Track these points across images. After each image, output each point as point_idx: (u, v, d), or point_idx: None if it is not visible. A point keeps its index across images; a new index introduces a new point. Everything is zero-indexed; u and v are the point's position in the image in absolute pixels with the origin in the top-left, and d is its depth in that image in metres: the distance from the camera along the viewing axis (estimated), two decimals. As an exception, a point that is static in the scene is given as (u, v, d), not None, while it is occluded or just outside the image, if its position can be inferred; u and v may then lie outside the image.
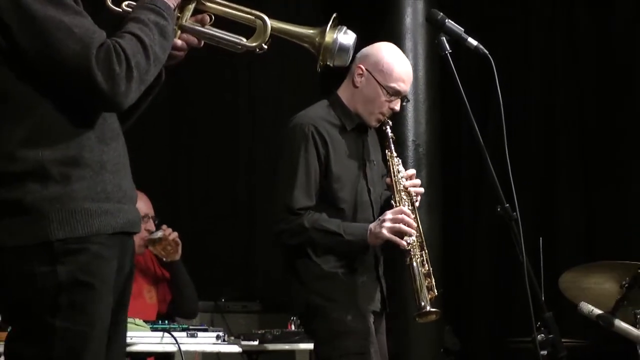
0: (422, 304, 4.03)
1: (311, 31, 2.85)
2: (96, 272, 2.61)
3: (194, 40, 2.86)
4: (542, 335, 3.37)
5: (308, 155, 4.14)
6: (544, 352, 3.38)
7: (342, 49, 2.82)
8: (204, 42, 2.89)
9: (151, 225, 5.33)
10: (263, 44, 2.84)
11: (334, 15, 2.86)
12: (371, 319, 4.18)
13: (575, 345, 5.28)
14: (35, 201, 2.56)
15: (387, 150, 4.25)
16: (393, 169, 4.22)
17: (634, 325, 3.94)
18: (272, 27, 2.83)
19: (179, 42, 2.83)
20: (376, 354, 4.11)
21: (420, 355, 5.96)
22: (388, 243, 4.11)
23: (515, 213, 3.40)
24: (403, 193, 4.20)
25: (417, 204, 4.22)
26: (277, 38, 2.84)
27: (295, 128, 4.20)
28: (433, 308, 4.03)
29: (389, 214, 4.09)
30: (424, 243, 4.15)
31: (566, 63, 6.96)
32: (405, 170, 4.28)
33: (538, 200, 6.86)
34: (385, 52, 4.27)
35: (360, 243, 4.13)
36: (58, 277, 2.56)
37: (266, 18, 2.83)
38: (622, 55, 6.74)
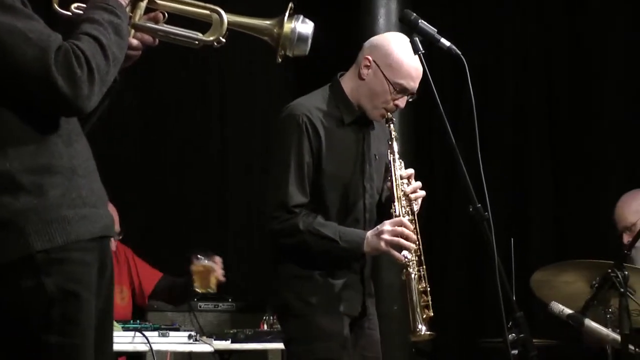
0: (418, 326, 3.85)
1: (268, 22, 2.81)
2: (82, 280, 2.55)
3: (148, 38, 2.79)
4: (513, 334, 3.39)
5: (301, 147, 3.92)
6: (515, 352, 3.40)
7: (301, 38, 2.78)
8: (160, 40, 2.81)
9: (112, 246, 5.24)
10: (221, 38, 2.77)
11: (290, 4, 2.81)
12: (347, 322, 4.01)
13: (546, 345, 5.31)
14: (8, 215, 2.48)
15: (389, 151, 4.03)
16: (394, 173, 3.98)
17: (604, 325, 3.96)
18: (228, 20, 2.77)
19: (134, 41, 2.75)
20: (355, 353, 3.98)
21: (393, 357, 5.96)
22: (385, 254, 3.92)
23: (487, 213, 3.41)
24: (403, 200, 3.97)
25: (418, 210, 3.99)
26: (234, 31, 2.80)
27: (287, 118, 3.97)
28: (428, 331, 3.85)
29: (387, 225, 3.87)
30: (423, 257, 3.92)
31: (537, 64, 6.99)
32: (406, 170, 4.05)
33: (510, 201, 6.88)
34: (396, 46, 4.00)
35: (355, 251, 3.93)
36: (46, 290, 2.50)
37: (222, 12, 2.77)
38: (593, 55, 6.78)
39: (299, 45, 2.78)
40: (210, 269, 4.93)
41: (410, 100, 4.06)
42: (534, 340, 3.44)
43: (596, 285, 3.97)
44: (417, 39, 3.60)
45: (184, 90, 6.86)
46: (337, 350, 3.92)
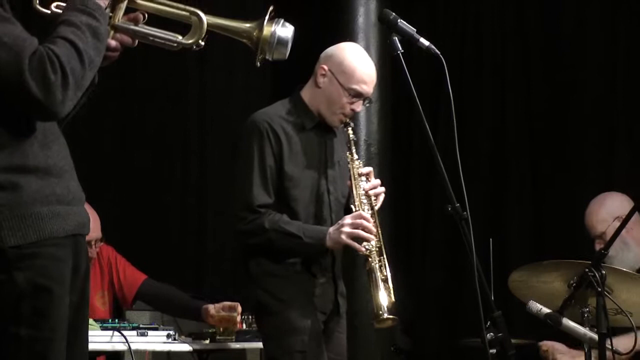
0: (380, 311, 4.05)
1: (248, 25, 2.80)
2: (54, 275, 2.57)
3: (128, 39, 2.78)
4: (492, 333, 3.40)
5: (263, 152, 4.13)
6: (493, 351, 3.41)
7: (281, 42, 2.77)
8: (139, 41, 2.81)
9: (93, 253, 5.22)
10: (200, 41, 2.77)
11: (271, 7, 2.82)
12: (320, 318, 4.20)
13: (524, 344, 5.32)
14: None
15: (348, 153, 4.25)
16: (353, 172, 4.22)
17: (582, 324, 3.98)
18: (208, 23, 2.77)
19: (113, 42, 2.74)
20: (320, 353, 4.13)
21: (371, 354, 5.97)
22: (348, 247, 4.12)
23: (465, 212, 3.42)
24: (363, 197, 4.20)
25: (377, 206, 4.22)
26: (214, 34, 2.80)
27: (249, 125, 4.19)
28: (390, 315, 4.05)
29: (347, 219, 4.11)
30: (384, 248, 4.14)
31: (516, 64, 7.01)
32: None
33: (488, 200, 6.90)
34: (349, 53, 4.25)
35: (318, 246, 4.13)
36: (17, 284, 2.52)
37: (201, 14, 2.77)
38: (571, 56, 6.80)
39: (278, 49, 2.78)
40: (232, 319, 4.89)
41: (367, 105, 4.34)
42: (512, 340, 3.45)
43: (574, 284, 3.98)
44: (396, 38, 3.61)
45: (163, 89, 6.84)
46: (310, 343, 4.09)
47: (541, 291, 4.20)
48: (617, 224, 4.89)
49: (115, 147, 6.71)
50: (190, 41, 2.78)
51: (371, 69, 4.26)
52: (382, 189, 4.27)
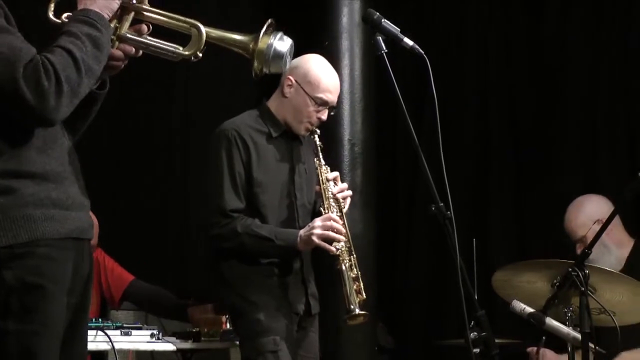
0: (352, 307, 4.21)
1: (245, 37, 2.84)
2: (46, 273, 2.62)
3: (131, 49, 2.88)
4: (475, 333, 3.41)
5: (232, 159, 4.30)
6: (477, 350, 3.42)
7: (277, 55, 2.80)
8: (142, 52, 2.90)
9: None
10: (198, 52, 2.85)
11: (270, 20, 2.86)
12: (293, 319, 4.34)
13: (508, 344, 5.33)
14: None
15: (315, 159, 4.42)
16: (322, 176, 4.39)
17: (565, 324, 3.99)
18: (207, 34, 2.84)
19: (118, 52, 2.84)
20: (292, 353, 4.28)
21: (354, 354, 5.97)
22: (318, 248, 4.27)
23: (449, 212, 3.43)
24: (332, 200, 4.37)
25: (345, 209, 4.40)
26: (213, 45, 2.85)
27: (218, 134, 4.36)
28: (362, 311, 4.21)
29: (317, 221, 4.27)
30: (353, 248, 4.32)
31: (499, 65, 7.02)
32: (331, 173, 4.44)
33: (472, 200, 6.91)
34: (314, 64, 4.45)
35: (290, 249, 4.29)
36: (5, 281, 2.57)
37: (201, 26, 2.85)
38: (554, 59, 6.82)
39: (275, 62, 2.81)
40: (218, 321, 4.93)
41: (332, 113, 4.50)
42: (495, 339, 3.46)
43: (557, 284, 4.00)
44: (380, 38, 3.61)
45: (148, 87, 6.83)
46: (282, 343, 4.24)
47: (525, 291, 4.21)
48: (597, 227, 4.92)
49: (98, 147, 6.69)
50: (189, 52, 2.86)
51: (335, 79, 4.48)
52: (349, 192, 4.45)
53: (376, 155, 6.21)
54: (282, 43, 2.81)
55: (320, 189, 4.39)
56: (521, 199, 6.87)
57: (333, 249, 4.25)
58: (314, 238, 4.23)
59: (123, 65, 2.88)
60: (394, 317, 6.94)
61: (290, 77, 4.40)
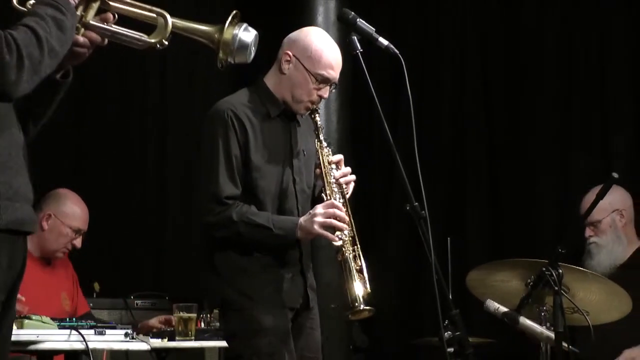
0: (356, 303, 3.90)
1: (211, 28, 2.85)
2: None
3: (97, 37, 2.86)
4: (449, 332, 3.41)
5: (228, 141, 3.98)
6: (451, 349, 3.43)
7: (242, 45, 2.80)
8: (107, 41, 2.90)
9: (79, 242, 5.28)
10: (164, 40, 2.85)
11: (235, 11, 2.86)
12: (289, 316, 4.04)
13: (482, 343, 5.35)
14: None
15: (316, 140, 4.11)
16: (323, 160, 4.07)
17: (539, 323, 4.01)
18: (173, 24, 2.85)
19: (81, 39, 2.82)
20: (290, 354, 3.99)
21: (329, 353, 5.97)
22: (319, 238, 3.98)
23: (424, 211, 3.43)
24: (334, 185, 4.06)
25: (348, 195, 4.08)
26: (178, 35, 2.86)
27: (213, 115, 4.04)
28: (366, 306, 3.91)
29: (319, 208, 3.94)
30: (356, 238, 4.00)
31: (475, 65, 7.05)
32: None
33: (447, 200, 6.93)
34: (314, 38, 4.10)
35: (289, 237, 3.97)
36: None
37: (168, 16, 2.86)
38: (529, 57, 6.85)
39: (240, 53, 2.81)
40: (192, 318, 4.88)
41: (334, 90, 4.15)
42: (469, 338, 3.47)
43: (531, 283, 4.01)
44: (355, 37, 3.62)
45: (122, 84, 6.82)
46: (278, 344, 3.94)
47: (499, 290, 4.23)
48: (614, 215, 5.05)
49: (74, 142, 6.68)
50: (155, 40, 2.86)
51: (337, 54, 4.11)
52: (353, 176, 4.13)
53: (351, 154, 6.22)
54: (247, 34, 2.82)
55: (322, 172, 4.05)
56: (496, 198, 6.90)
57: (336, 238, 3.92)
58: (316, 226, 3.90)
59: (88, 54, 2.86)
60: (368, 317, 6.94)
61: (289, 52, 4.06)
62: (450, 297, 3.50)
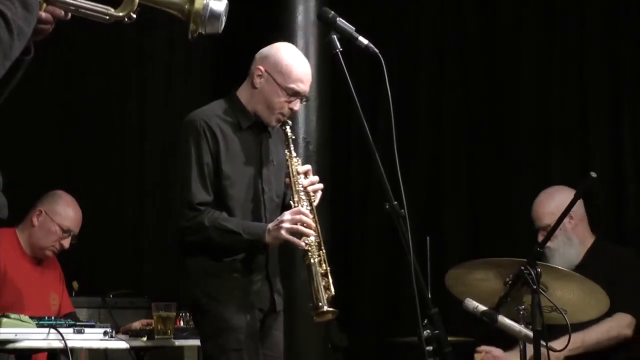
0: (320, 304, 4.11)
1: None
2: None
3: (59, 12, 2.73)
4: (428, 331, 3.42)
5: (200, 150, 4.19)
6: (430, 348, 3.43)
7: (213, 15, 2.75)
8: (71, 14, 2.78)
9: (67, 242, 5.28)
10: (131, 13, 2.77)
11: None
12: (258, 316, 4.25)
13: (461, 342, 5.36)
14: None
15: (286, 150, 4.32)
16: (292, 169, 4.29)
17: (517, 322, 4.02)
18: None
19: (43, 14, 2.70)
20: (256, 350, 4.18)
21: (308, 352, 5.98)
22: (287, 243, 4.17)
23: (403, 210, 3.44)
24: (302, 193, 4.27)
25: (316, 202, 4.29)
26: (148, 8, 2.78)
27: (187, 124, 4.25)
28: (330, 307, 4.11)
29: (287, 215, 4.16)
30: (322, 243, 4.21)
31: (455, 63, 7.06)
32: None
33: (426, 198, 6.94)
34: (285, 53, 4.32)
35: (258, 242, 4.19)
36: None
37: None
38: (507, 56, 6.86)
39: (211, 23, 2.75)
40: (171, 317, 4.89)
41: (304, 103, 4.42)
42: (448, 337, 3.47)
43: (509, 282, 4.02)
44: (335, 36, 3.62)
45: (103, 87, 6.81)
46: (246, 341, 4.14)
47: (477, 289, 4.24)
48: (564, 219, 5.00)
49: (56, 144, 6.67)
50: (122, 14, 2.75)
51: (307, 68, 4.34)
52: (321, 185, 4.33)
53: (331, 153, 6.23)
54: (218, 3, 2.76)
55: (291, 181, 4.29)
56: (475, 197, 6.92)
57: (302, 243, 4.15)
58: (283, 232, 4.12)
59: (51, 29, 2.79)
60: (347, 315, 6.95)
61: (261, 67, 4.28)
62: (429, 295, 3.50)
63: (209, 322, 4.21)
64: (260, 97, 4.29)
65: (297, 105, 4.30)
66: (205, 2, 2.73)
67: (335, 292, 4.17)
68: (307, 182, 4.29)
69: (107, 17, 2.76)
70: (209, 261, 4.22)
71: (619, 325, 5.04)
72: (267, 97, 4.27)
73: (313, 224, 4.17)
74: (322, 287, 4.13)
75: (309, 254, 4.16)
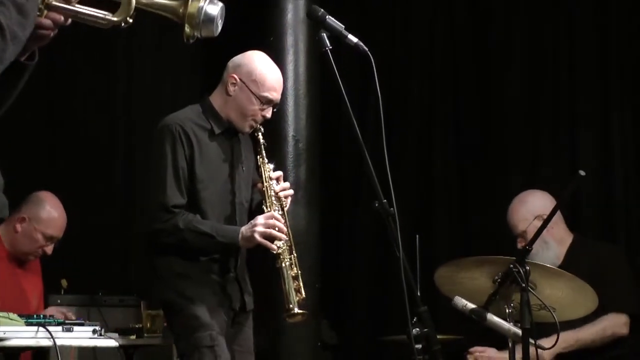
0: (290, 305, 4.24)
1: (176, 2, 2.82)
2: None
3: (59, 18, 2.76)
4: (417, 329, 3.43)
5: (175, 153, 4.30)
6: (419, 346, 3.43)
7: (208, 18, 2.76)
8: (71, 20, 2.84)
9: (50, 249, 5.27)
10: (128, 18, 2.80)
11: None
12: (229, 315, 4.36)
13: (450, 340, 5.37)
14: None
15: (258, 157, 4.45)
16: (265, 175, 4.41)
17: (506, 320, 4.02)
18: (137, 0, 2.81)
19: (46, 21, 2.73)
20: (228, 347, 4.28)
21: (298, 350, 5.98)
22: (259, 246, 4.29)
23: (392, 208, 3.44)
24: (274, 198, 4.39)
25: (287, 207, 4.42)
26: (141, 11, 2.80)
27: (162, 128, 4.35)
28: (300, 310, 4.24)
29: (260, 219, 4.29)
30: (293, 247, 4.34)
31: (445, 62, 7.06)
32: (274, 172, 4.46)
33: (415, 197, 6.94)
34: (258, 63, 4.45)
35: (231, 245, 4.31)
36: None
37: None
38: (498, 57, 6.87)
39: (206, 26, 2.76)
40: (160, 315, 4.91)
41: (275, 110, 4.51)
42: (437, 335, 3.48)
43: (498, 280, 4.03)
44: (324, 34, 3.62)
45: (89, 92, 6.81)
46: (217, 337, 4.24)
47: (466, 287, 4.24)
48: (537, 222, 4.99)
49: (45, 142, 6.66)
50: (119, 18, 2.79)
51: (279, 76, 4.49)
52: (291, 191, 4.49)
53: (320, 151, 6.23)
54: (213, 6, 2.77)
55: (263, 187, 4.41)
56: (464, 195, 6.92)
57: (274, 247, 4.27)
58: (256, 235, 4.25)
59: (52, 35, 2.82)
60: (337, 313, 6.95)
61: (235, 76, 4.41)
62: (419, 293, 3.51)
63: (181, 321, 4.30)
64: (233, 104, 4.41)
65: (269, 112, 4.43)
66: (200, 5, 2.74)
67: (305, 295, 4.30)
68: (279, 187, 4.42)
69: (105, 22, 2.80)
70: (182, 262, 4.32)
71: (616, 324, 5.06)
72: (240, 105, 4.40)
73: (285, 229, 4.31)
74: (293, 289, 4.26)
75: (281, 257, 4.29)
